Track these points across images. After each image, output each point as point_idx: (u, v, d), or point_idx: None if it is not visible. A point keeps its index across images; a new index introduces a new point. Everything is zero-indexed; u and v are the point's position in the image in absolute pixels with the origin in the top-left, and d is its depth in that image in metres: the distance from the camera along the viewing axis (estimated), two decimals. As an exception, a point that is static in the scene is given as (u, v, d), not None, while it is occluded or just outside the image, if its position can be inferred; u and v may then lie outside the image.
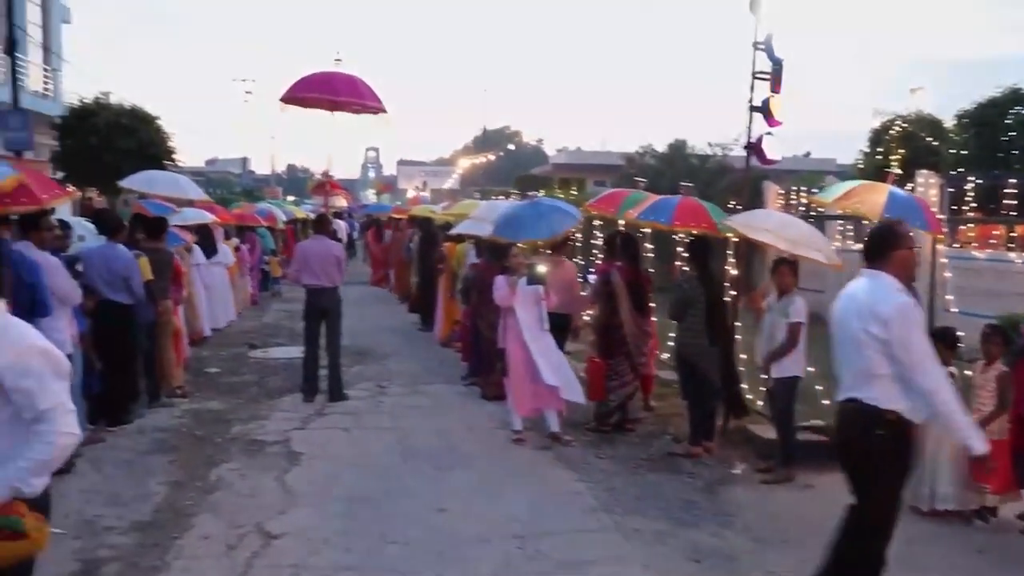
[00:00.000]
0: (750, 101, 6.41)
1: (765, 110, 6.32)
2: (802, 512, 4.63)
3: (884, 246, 3.17)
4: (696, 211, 6.00)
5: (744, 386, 6.09)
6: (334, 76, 7.28)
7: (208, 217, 10.45)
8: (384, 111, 7.53)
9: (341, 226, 19.55)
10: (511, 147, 45.54)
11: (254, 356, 9.05)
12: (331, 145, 7.14)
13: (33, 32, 20.01)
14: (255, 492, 4.79)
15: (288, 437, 5.87)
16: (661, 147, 20.90)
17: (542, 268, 5.88)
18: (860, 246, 7.46)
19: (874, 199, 5.11)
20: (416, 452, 5.58)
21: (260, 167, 56.51)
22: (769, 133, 6.38)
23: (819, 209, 7.79)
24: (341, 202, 22.77)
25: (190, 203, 9.86)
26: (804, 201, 8.90)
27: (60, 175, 15.08)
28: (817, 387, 5.67)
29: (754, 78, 6.38)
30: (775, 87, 6.34)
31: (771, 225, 5.39)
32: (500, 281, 6.00)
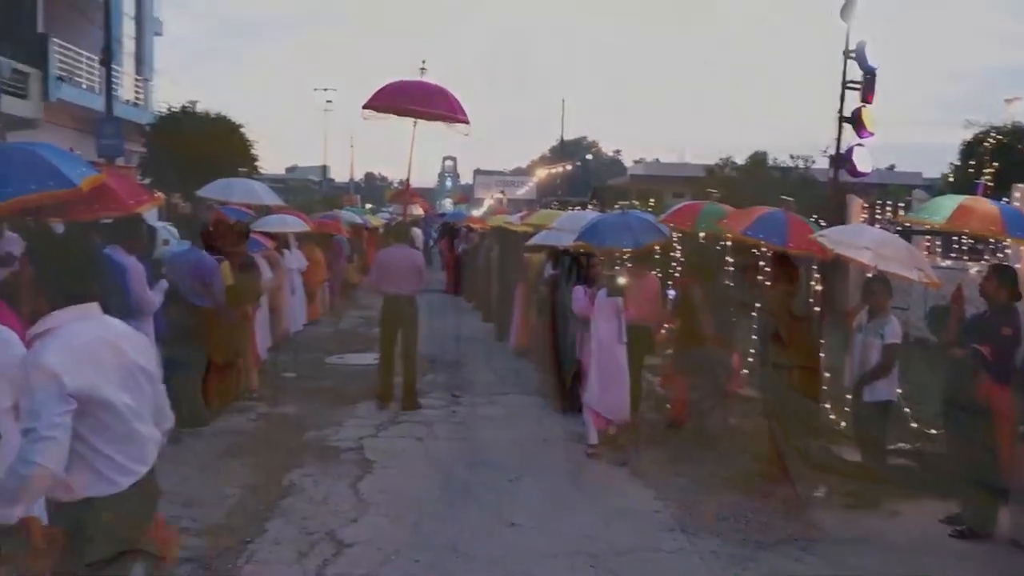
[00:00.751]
0: (840, 111, 6.22)
1: (856, 121, 6.12)
2: (888, 539, 4.44)
3: None
4: (805, 229, 5.77)
5: (827, 406, 5.88)
6: (418, 85, 7.27)
7: (291, 223, 10.47)
8: (466, 121, 7.51)
9: (417, 234, 19.70)
10: (588, 157, 45.34)
11: (330, 362, 9.11)
12: (410, 154, 7.13)
13: (127, 44, 20.74)
14: (327, 498, 4.79)
15: (361, 444, 5.87)
16: (741, 159, 20.61)
17: (622, 280, 5.79)
18: (949, 262, 7.16)
19: (986, 215, 4.84)
20: (488, 463, 5.53)
21: (339, 175, 57.50)
22: (860, 144, 6.18)
23: (905, 224, 7.51)
24: (419, 210, 22.97)
25: (267, 209, 10.01)
26: (890, 216, 8.63)
27: (147, 181, 15.54)
28: (905, 409, 5.45)
29: (844, 87, 6.19)
30: (867, 97, 6.14)
31: (867, 242, 5.20)
32: (579, 292, 5.92)
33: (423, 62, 7.55)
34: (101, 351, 2.35)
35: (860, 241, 5.14)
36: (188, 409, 5.91)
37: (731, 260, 6.78)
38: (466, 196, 45.56)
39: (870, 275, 5.32)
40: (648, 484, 5.22)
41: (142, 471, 2.40)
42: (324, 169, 55.69)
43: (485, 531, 4.37)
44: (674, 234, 8.07)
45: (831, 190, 6.89)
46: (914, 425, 5.31)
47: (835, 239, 5.28)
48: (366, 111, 7.42)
